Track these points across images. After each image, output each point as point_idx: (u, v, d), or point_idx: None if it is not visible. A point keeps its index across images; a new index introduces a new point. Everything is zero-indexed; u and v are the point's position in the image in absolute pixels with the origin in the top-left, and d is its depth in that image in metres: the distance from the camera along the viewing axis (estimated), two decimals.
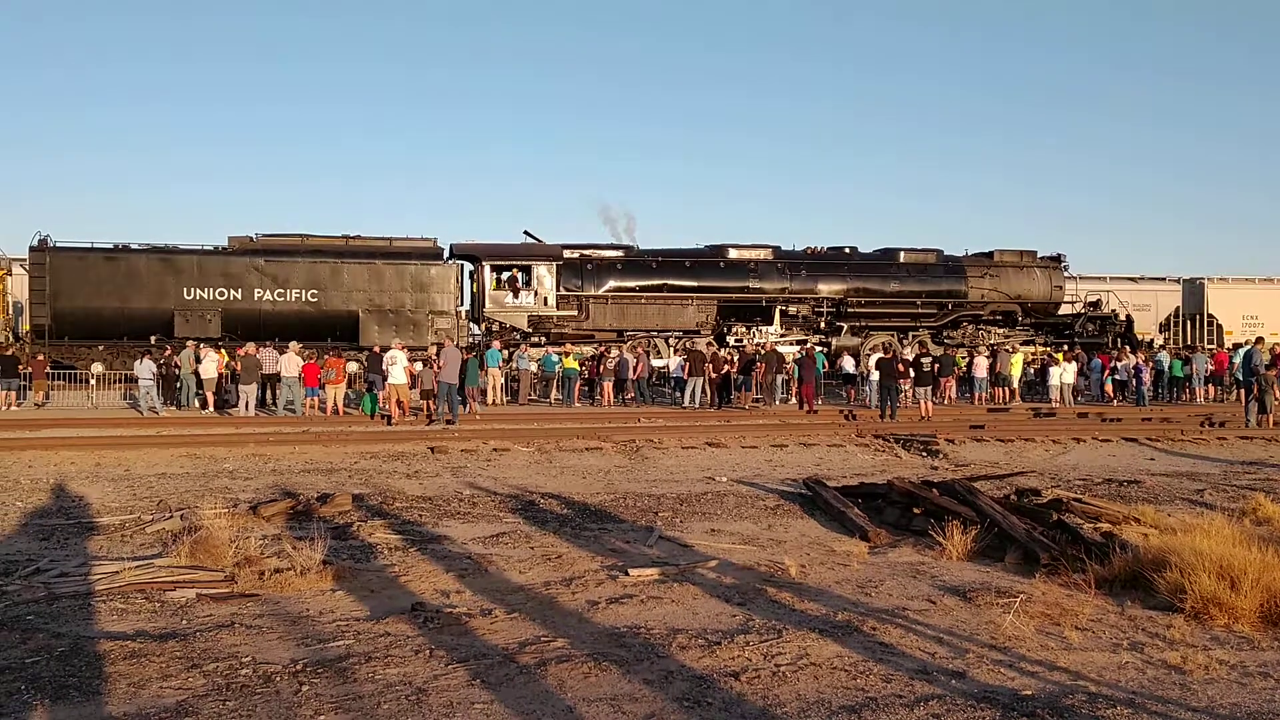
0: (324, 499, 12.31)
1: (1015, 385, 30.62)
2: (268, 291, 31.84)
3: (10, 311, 33.78)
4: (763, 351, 29.34)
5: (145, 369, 24.90)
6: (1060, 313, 37.66)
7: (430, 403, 23.31)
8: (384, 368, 23.00)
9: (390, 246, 33.51)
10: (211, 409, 25.13)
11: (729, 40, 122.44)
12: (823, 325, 35.11)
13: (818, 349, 31.69)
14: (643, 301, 34.08)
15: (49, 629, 6.96)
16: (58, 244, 31.48)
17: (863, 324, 35.27)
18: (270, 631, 6.99)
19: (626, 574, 8.78)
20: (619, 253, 34.80)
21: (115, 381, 29.00)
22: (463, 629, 7.09)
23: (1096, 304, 38.07)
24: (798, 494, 13.52)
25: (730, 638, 6.87)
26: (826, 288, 35.23)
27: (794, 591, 8.33)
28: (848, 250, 36.56)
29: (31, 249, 31.31)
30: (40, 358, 28.56)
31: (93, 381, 28.58)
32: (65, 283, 30.93)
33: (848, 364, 31.13)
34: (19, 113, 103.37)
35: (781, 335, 34.48)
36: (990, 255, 37.31)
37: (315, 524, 10.69)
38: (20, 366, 27.66)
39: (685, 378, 27.97)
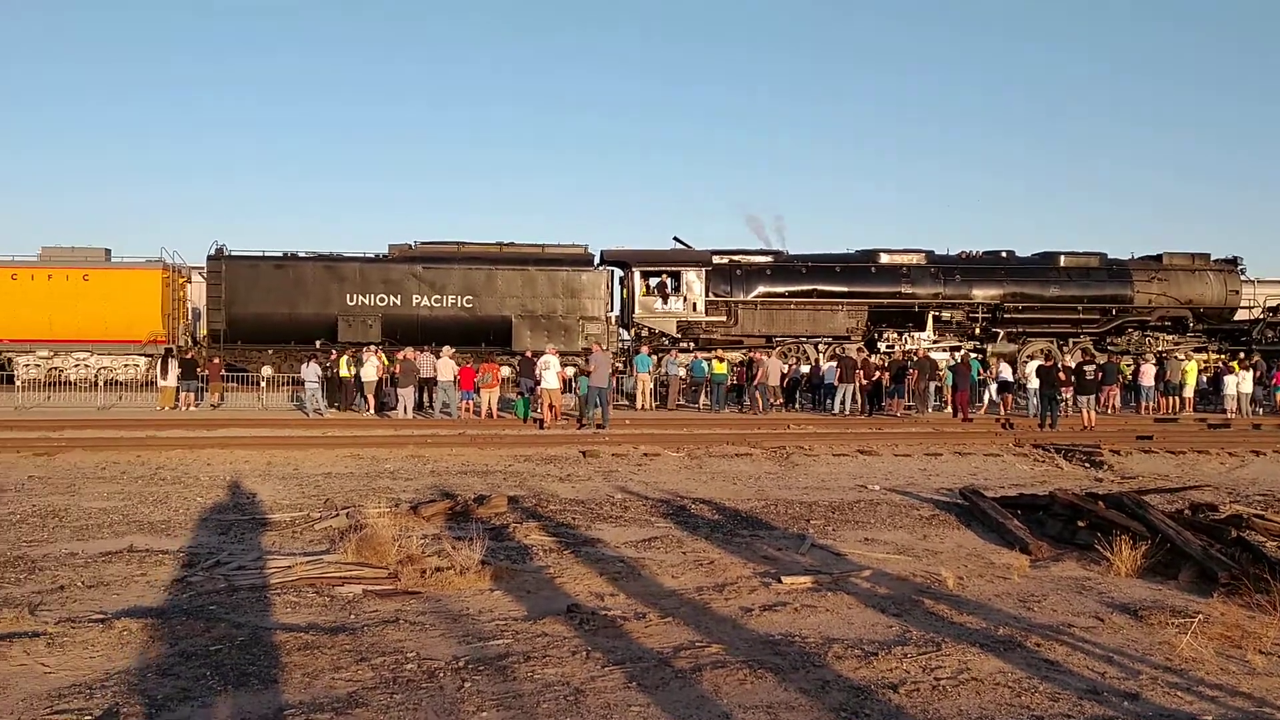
0: (480, 500, 12.63)
1: (1189, 394, 29.21)
2: (425, 298, 32.88)
3: (190, 317, 35.73)
4: (915, 358, 28.78)
5: (311, 372, 25.99)
6: (1236, 318, 35.74)
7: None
8: (537, 372, 23.45)
9: (543, 253, 34.19)
10: (372, 411, 26.06)
11: (877, 55, 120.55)
12: (978, 331, 34.21)
13: (973, 356, 30.91)
14: (792, 307, 33.84)
15: (230, 619, 7.34)
16: (232, 253, 33.22)
17: (1020, 330, 34.23)
18: (433, 628, 7.21)
19: (779, 581, 8.73)
20: (768, 258, 34.66)
21: (283, 383, 30.37)
22: (618, 631, 7.17)
23: (1277, 309, 35.96)
24: (953, 504, 13.21)
25: (887, 649, 6.76)
26: (982, 292, 34.31)
27: (952, 604, 8.14)
28: (1004, 254, 35.52)
29: (209, 258, 33.11)
30: (216, 361, 30.16)
31: (263, 384, 29.99)
32: (239, 290, 32.61)
33: (1005, 371, 30.23)
34: (206, 138, 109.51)
35: (934, 341, 33.75)
36: (1158, 258, 35.69)
37: (473, 525, 10.99)
38: (199, 369, 29.25)
39: (836, 384, 27.63)
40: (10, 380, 32.08)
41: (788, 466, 16.88)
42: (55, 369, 32.99)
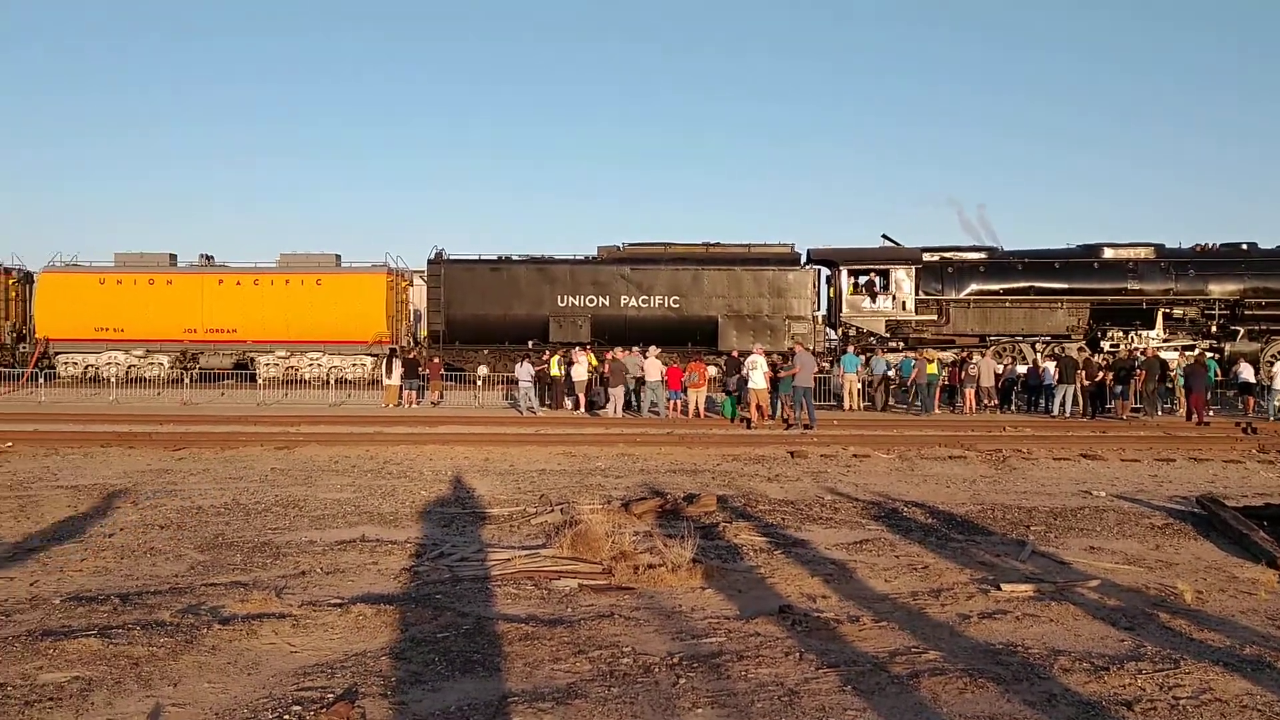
0: (690, 499, 12.73)
1: None
2: (633, 298, 33.42)
3: (411, 318, 37.53)
4: (1142, 358, 27.21)
5: (524, 371, 26.84)
6: None
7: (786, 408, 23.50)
8: (744, 372, 23.45)
9: (749, 253, 34.18)
10: (583, 410, 26.67)
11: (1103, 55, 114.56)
12: (1214, 329, 32.05)
13: (1209, 355, 28.96)
14: (1007, 305, 32.62)
15: (455, 608, 7.67)
16: (450, 257, 34.69)
17: (1263, 328, 31.84)
18: (647, 624, 7.32)
19: (998, 588, 8.43)
20: (981, 255, 33.52)
21: (498, 382, 31.49)
22: (831, 634, 7.09)
23: None
24: (1189, 513, 12.41)
25: (1119, 664, 6.42)
26: (1219, 288, 32.10)
27: (1190, 619, 7.65)
28: (1244, 246, 33.11)
29: (429, 262, 34.70)
30: (436, 360, 31.58)
31: (479, 382, 31.18)
32: (456, 292, 34.03)
33: (1245, 372, 28.17)
34: (427, 156, 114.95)
35: (1164, 340, 31.82)
36: None
37: (682, 523, 11.07)
38: (420, 368, 30.72)
39: (1055, 385, 26.46)
40: (253, 379, 34.51)
41: (1004, 470, 16.27)
42: (291, 368, 35.30)
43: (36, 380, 32.71)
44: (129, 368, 35.77)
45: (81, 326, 35.65)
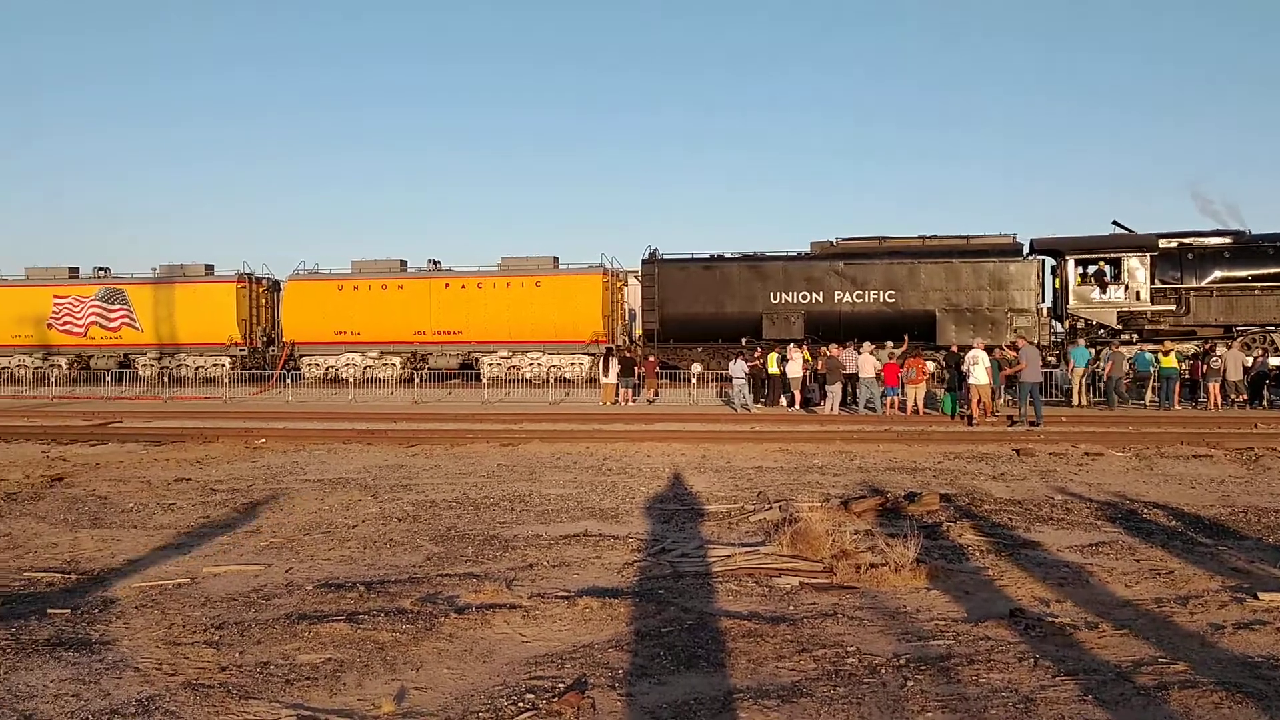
0: (911, 498, 12.44)
1: None
2: (847, 293, 32.95)
3: (626, 318, 38.23)
4: None
5: (738, 369, 26.88)
6: None
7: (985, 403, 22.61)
8: (964, 367, 22.73)
9: (967, 244, 33.11)
10: (798, 407, 26.47)
11: None
12: None
13: None
14: (1257, 292, 30.29)
15: (677, 603, 7.76)
16: (664, 256, 35.12)
17: None
18: (870, 624, 7.20)
19: (1255, 597, 7.84)
20: (1226, 239, 31.26)
21: (712, 380, 31.66)
22: (1067, 640, 6.78)
23: None
24: None
25: None
26: None
27: None
28: None
29: (643, 262, 35.25)
30: (651, 359, 32.06)
31: (693, 380, 31.44)
32: (670, 291, 34.42)
33: None
34: (639, 155, 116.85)
35: None
36: None
37: (904, 522, 10.84)
38: (636, 367, 31.25)
39: None
40: (477, 378, 35.98)
41: (1257, 470, 15.13)
42: (513, 367, 36.59)
43: (284, 381, 35.17)
44: (365, 368, 37.97)
45: (323, 330, 38.09)
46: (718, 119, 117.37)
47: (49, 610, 7.68)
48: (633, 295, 37.80)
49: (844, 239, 34.41)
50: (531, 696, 5.69)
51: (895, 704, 5.57)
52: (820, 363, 26.93)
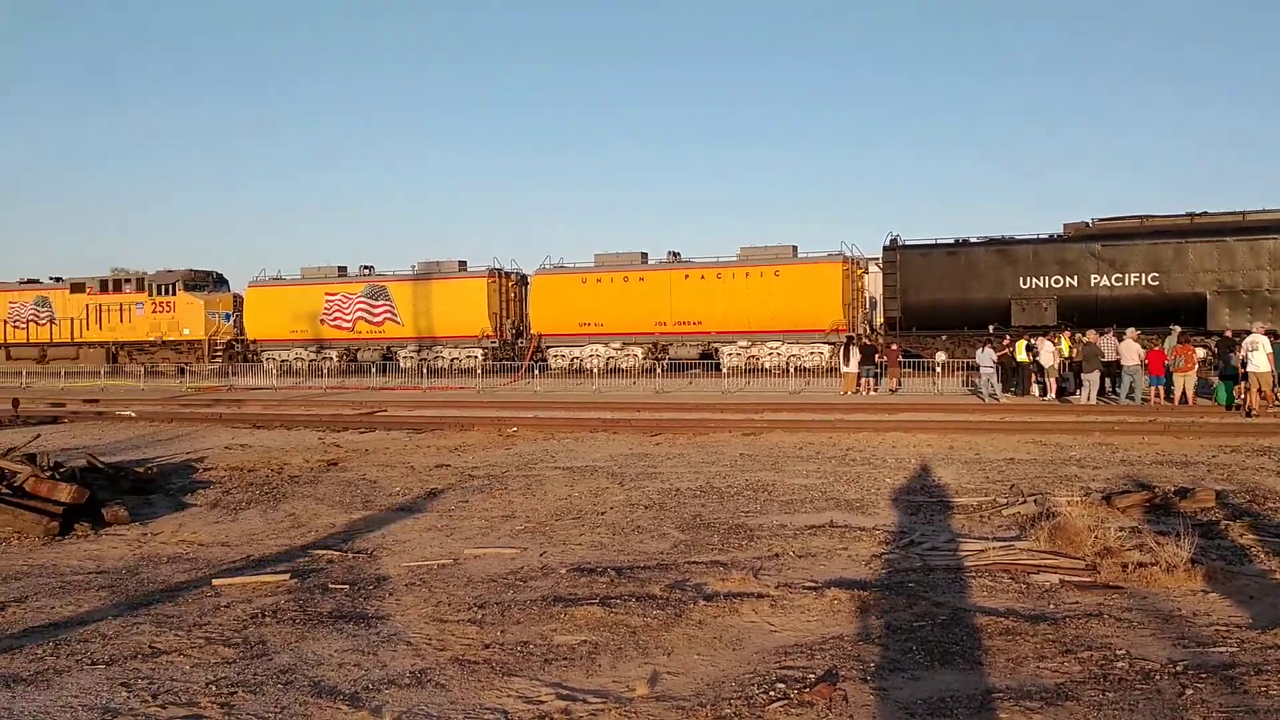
0: (1182, 494, 11.62)
1: None
2: (1104, 277, 31.15)
3: (867, 306, 37.54)
4: None
5: (986, 357, 25.90)
6: None
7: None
8: (1241, 354, 21.03)
9: (1243, 221, 30.59)
10: (1052, 396, 25.25)
11: None
12: None
13: None
14: None
15: (929, 597, 7.56)
16: (906, 243, 34.26)
17: None
18: (1141, 627, 6.78)
19: None
20: None
21: (956, 369, 30.65)
22: None
23: None
24: None
25: None
26: None
27: None
28: None
29: (884, 248, 34.53)
30: (894, 347, 31.40)
31: (937, 369, 30.53)
32: (912, 277, 33.55)
33: None
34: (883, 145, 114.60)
35: None
36: None
37: (1175, 519, 10.15)
38: (877, 355, 30.66)
39: None
40: (717, 368, 36.25)
41: None
42: (752, 357, 36.61)
43: (533, 372, 36.57)
44: (608, 359, 38.92)
45: (568, 322, 39.31)
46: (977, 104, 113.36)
47: (330, 585, 8.30)
48: (873, 283, 37.04)
49: (1101, 219, 32.52)
50: (782, 686, 5.68)
51: (1173, 713, 5.22)
52: (1075, 349, 25.57)
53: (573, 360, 39.80)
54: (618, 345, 39.19)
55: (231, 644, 6.62)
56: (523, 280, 43.05)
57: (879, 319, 36.31)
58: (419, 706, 5.43)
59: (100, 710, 5.39)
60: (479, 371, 38.58)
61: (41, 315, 49.04)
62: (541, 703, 5.47)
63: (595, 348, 39.37)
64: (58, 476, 12.01)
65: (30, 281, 50.63)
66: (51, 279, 49.93)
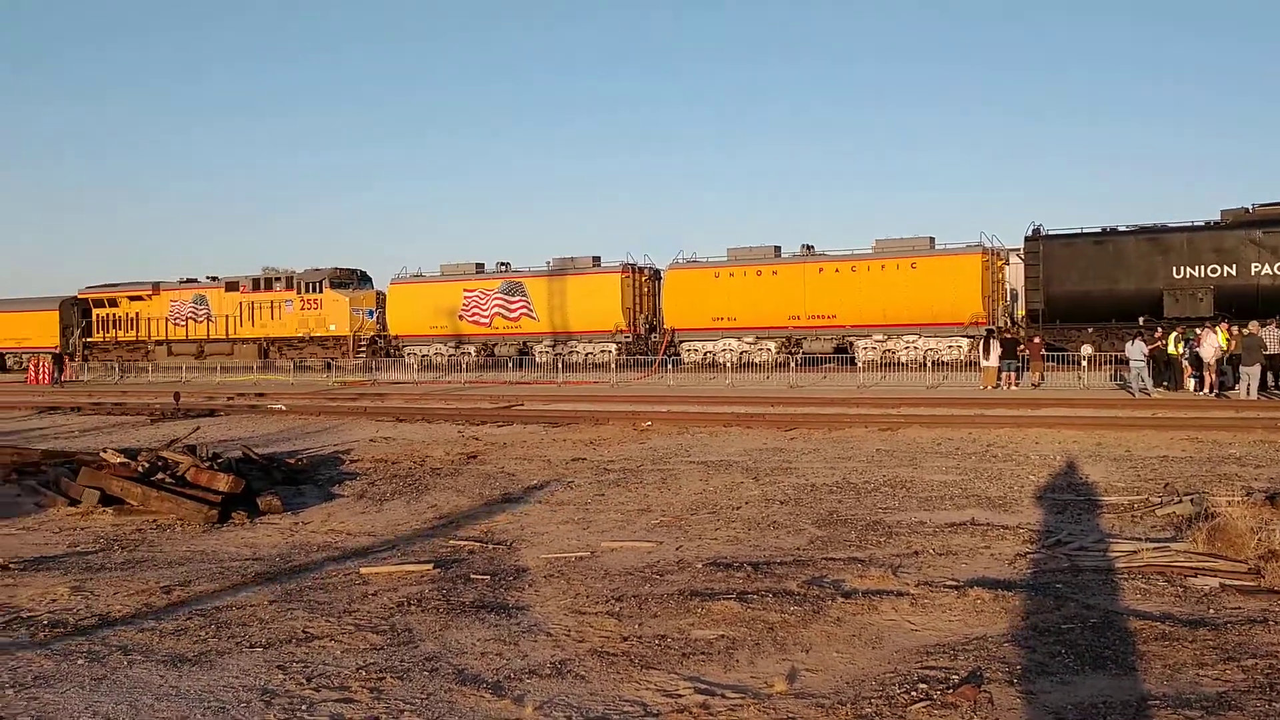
0: None
1: None
2: (1266, 265, 29.59)
3: (1008, 298, 36.50)
4: None
5: (1136, 350, 24.90)
6: None
7: None
8: None
9: None
10: (1208, 391, 24.12)
11: None
12: None
13: None
14: None
15: (1078, 599, 7.30)
16: (1049, 232, 33.18)
17: None
18: None
19: None
20: None
21: (1104, 363, 29.54)
22: None
23: None
24: None
25: None
26: None
27: None
28: None
29: (1026, 239, 33.54)
30: (1036, 340, 30.44)
31: (1083, 363, 29.47)
32: (1056, 268, 32.51)
33: None
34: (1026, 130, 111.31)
35: None
36: None
37: None
38: (1019, 349, 29.77)
39: None
40: (852, 362, 35.77)
41: None
42: (888, 351, 36.01)
43: (666, 366, 36.72)
44: (740, 353, 38.79)
45: (700, 317, 39.34)
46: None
47: (471, 576, 8.48)
48: (1014, 274, 36.01)
49: (1263, 205, 30.89)
50: (924, 686, 5.57)
51: None
52: (1233, 342, 24.36)
53: (705, 355, 39.79)
54: (750, 340, 39.02)
55: (379, 631, 6.83)
56: (656, 275, 43.25)
57: (1020, 311, 35.30)
58: (560, 697, 5.50)
59: (259, 691, 5.63)
60: (613, 366, 38.91)
61: (199, 313, 51.50)
62: (680, 696, 5.49)
63: (728, 342, 39.28)
64: (216, 467, 12.60)
65: (189, 281, 53.19)
66: (208, 278, 52.36)
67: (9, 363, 56.42)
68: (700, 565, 8.71)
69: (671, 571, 8.54)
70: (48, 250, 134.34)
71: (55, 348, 53.35)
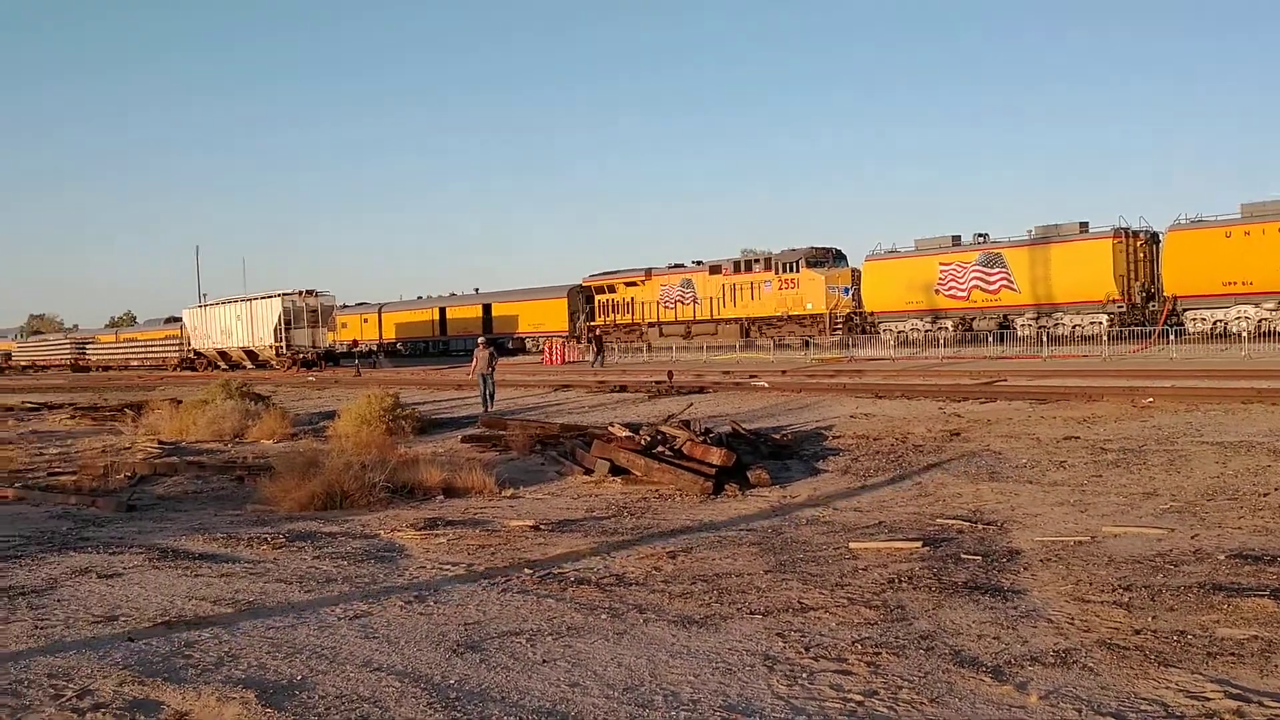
0: None
1: None
2: None
3: None
4: None
5: None
6: None
7: None
8: None
9: None
10: None
11: None
12: None
13: None
14: None
15: None
16: None
17: None
18: None
19: None
20: None
21: None
22: None
23: None
24: None
25: None
26: None
27: None
28: None
29: None
30: None
31: None
32: None
33: None
34: None
35: None
36: None
37: None
38: None
39: None
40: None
41: None
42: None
43: (1165, 337, 33.64)
44: (1260, 321, 34.53)
45: (1208, 282, 35.55)
46: None
47: (962, 556, 8.28)
48: None
49: None
50: None
51: None
52: None
53: (1214, 324, 35.83)
54: (1271, 305, 34.54)
55: (872, 605, 6.86)
56: (1153, 239, 39.64)
57: None
58: (1066, 688, 5.20)
59: (761, 656, 5.87)
60: (1104, 338, 36.23)
61: (686, 296, 54.80)
62: (1208, 699, 4.97)
63: (1243, 309, 35.06)
64: (708, 441, 13.35)
65: (676, 266, 56.74)
66: (694, 263, 55.53)
67: (528, 345, 63.47)
68: (1222, 556, 7.85)
69: (1187, 562, 7.77)
70: (557, 242, 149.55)
71: (564, 332, 59.27)
